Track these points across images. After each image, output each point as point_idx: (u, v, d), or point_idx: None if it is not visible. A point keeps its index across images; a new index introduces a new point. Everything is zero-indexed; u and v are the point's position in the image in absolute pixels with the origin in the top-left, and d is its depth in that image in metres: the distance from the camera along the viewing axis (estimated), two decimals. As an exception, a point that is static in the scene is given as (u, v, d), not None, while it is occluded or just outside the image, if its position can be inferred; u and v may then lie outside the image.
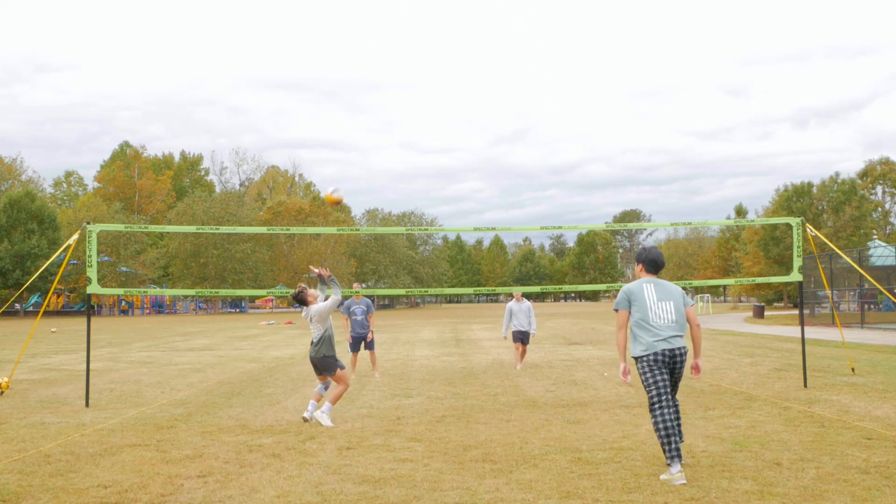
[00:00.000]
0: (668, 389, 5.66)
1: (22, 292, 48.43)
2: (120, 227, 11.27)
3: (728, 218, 74.46)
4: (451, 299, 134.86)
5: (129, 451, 6.75)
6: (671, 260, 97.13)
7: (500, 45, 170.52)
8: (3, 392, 10.60)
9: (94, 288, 9.69)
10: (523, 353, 13.72)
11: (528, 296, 14.20)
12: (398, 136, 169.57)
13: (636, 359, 5.80)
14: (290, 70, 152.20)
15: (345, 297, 12.73)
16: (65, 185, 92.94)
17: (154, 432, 7.64)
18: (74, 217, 65.87)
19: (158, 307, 70.41)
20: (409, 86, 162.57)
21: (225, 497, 5.21)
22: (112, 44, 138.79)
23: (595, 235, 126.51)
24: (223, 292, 11.14)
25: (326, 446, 6.85)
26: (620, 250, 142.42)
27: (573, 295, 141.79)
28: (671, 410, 5.60)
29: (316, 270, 8.66)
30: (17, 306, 59.20)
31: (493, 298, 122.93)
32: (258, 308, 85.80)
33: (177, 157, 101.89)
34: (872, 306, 30.44)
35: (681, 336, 5.77)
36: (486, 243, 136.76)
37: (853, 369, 12.05)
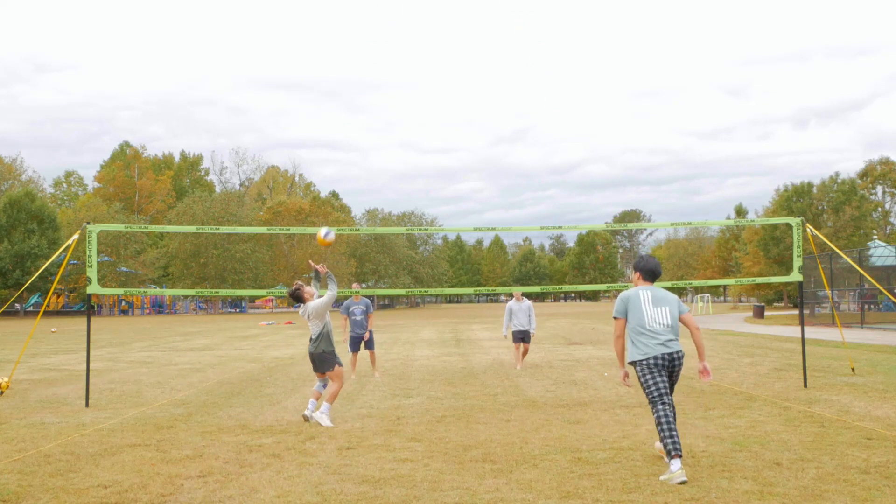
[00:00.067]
0: (668, 390, 5.77)
1: (22, 292, 48.42)
2: (120, 227, 11.27)
3: (728, 218, 74.47)
4: (451, 299, 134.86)
5: (129, 451, 6.75)
6: (671, 260, 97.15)
7: (500, 45, 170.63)
8: (3, 392, 10.60)
9: (94, 288, 9.69)
10: (525, 352, 13.73)
11: (528, 296, 14.20)
12: (398, 136, 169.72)
13: (635, 363, 5.88)
14: (290, 70, 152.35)
15: (344, 298, 12.74)
16: (65, 185, 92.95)
17: (154, 432, 7.64)
18: (74, 217, 65.87)
19: (158, 307, 70.42)
20: (409, 86, 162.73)
21: (225, 497, 5.21)
22: (112, 44, 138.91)
23: (595, 235, 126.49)
24: (223, 292, 11.14)
25: (326, 446, 6.85)
26: (620, 250, 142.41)
27: (573, 295, 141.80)
28: (672, 409, 5.71)
29: (315, 266, 8.68)
30: (17, 306, 59.20)
31: (493, 298, 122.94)
32: (258, 308, 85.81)
33: (177, 157, 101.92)
34: (872, 306, 30.44)
35: (677, 340, 5.87)
36: (486, 243, 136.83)
37: (853, 369, 12.05)
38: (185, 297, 74.75)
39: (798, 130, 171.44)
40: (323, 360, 8.25)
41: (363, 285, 69.42)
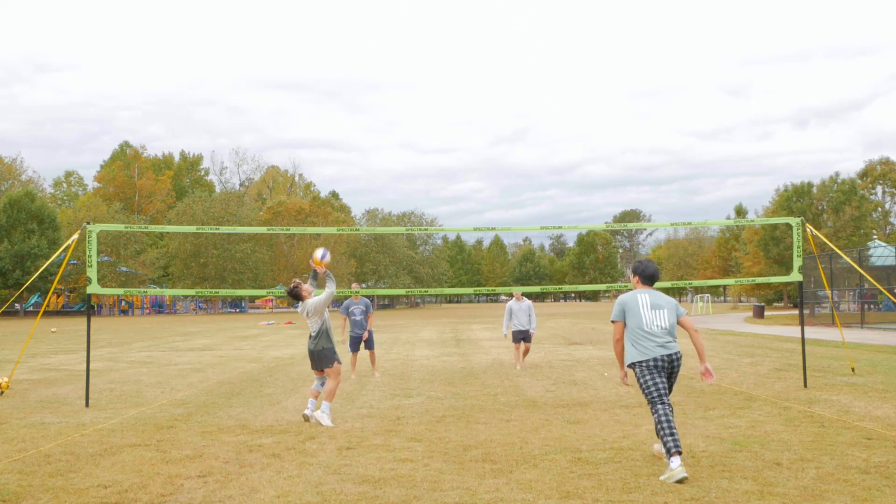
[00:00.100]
0: (667, 391, 5.82)
1: (22, 292, 48.44)
2: (120, 227, 11.26)
3: (728, 218, 74.46)
4: (451, 299, 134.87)
5: (129, 451, 6.75)
6: (671, 260, 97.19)
7: (500, 45, 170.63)
8: (3, 392, 10.60)
9: (94, 288, 9.69)
10: (526, 351, 13.75)
11: (528, 296, 14.20)
12: (398, 136, 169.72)
13: (634, 364, 5.94)
14: (290, 70, 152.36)
15: (344, 298, 12.74)
16: (65, 185, 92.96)
17: (154, 432, 7.64)
18: (74, 217, 65.88)
19: (158, 307, 70.42)
20: (409, 86, 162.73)
21: (225, 497, 5.21)
22: (112, 44, 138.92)
23: (595, 235, 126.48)
24: (223, 292, 11.14)
25: (326, 446, 6.85)
26: (620, 250, 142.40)
27: (573, 295, 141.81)
28: (671, 409, 5.75)
29: (315, 266, 8.65)
30: (17, 306, 59.20)
31: (493, 298, 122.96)
32: (258, 308, 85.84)
33: (177, 157, 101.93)
34: (872, 306, 30.45)
35: (675, 341, 5.96)
36: (486, 243, 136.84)
37: (853, 369, 12.05)
38: (185, 297, 74.74)
39: (798, 130, 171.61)
40: (322, 356, 8.29)
41: (363, 285, 69.46)
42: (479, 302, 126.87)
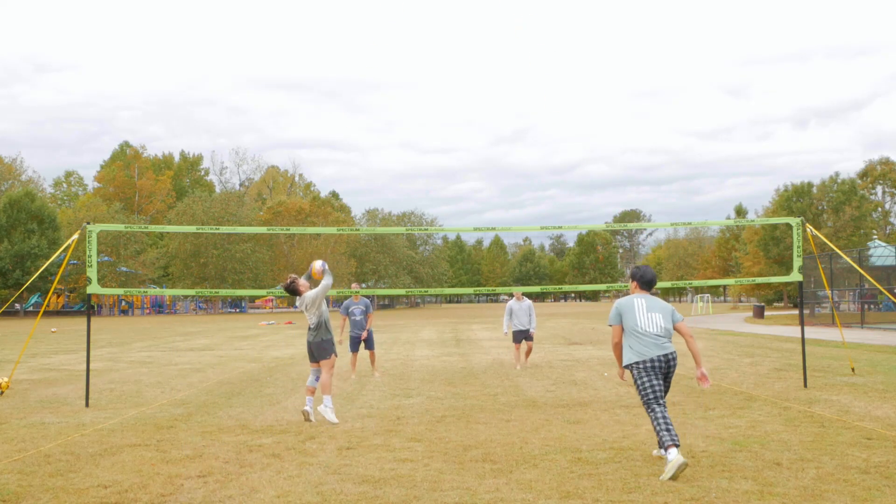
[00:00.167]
0: (662, 393, 5.91)
1: (22, 292, 48.44)
2: (120, 227, 11.26)
3: (728, 218, 74.46)
4: (451, 299, 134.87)
5: (129, 451, 6.75)
6: (671, 260, 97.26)
7: (500, 45, 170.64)
8: (3, 392, 10.60)
9: (94, 288, 9.69)
10: (529, 350, 13.75)
11: (528, 295, 14.21)
12: (398, 136, 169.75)
13: (631, 366, 6.04)
14: (290, 70, 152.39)
15: (343, 298, 12.74)
16: (65, 185, 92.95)
17: (154, 432, 7.64)
18: (74, 217, 65.88)
19: (158, 307, 70.42)
20: (409, 86, 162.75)
21: (225, 497, 5.21)
22: (112, 44, 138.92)
23: (595, 235, 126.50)
24: (223, 292, 11.14)
25: (326, 446, 6.85)
26: (620, 250, 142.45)
27: (573, 295, 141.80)
28: (666, 410, 5.84)
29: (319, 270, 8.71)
30: (17, 306, 59.19)
31: (493, 298, 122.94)
32: (258, 308, 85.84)
33: (177, 157, 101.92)
34: (872, 306, 30.44)
35: (670, 342, 6.06)
36: (486, 243, 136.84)
37: (853, 369, 12.05)
38: (185, 297, 74.74)
39: (798, 130, 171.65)
40: (322, 348, 8.41)
41: (363, 285, 69.48)
42: (479, 302, 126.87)
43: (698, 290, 69.65)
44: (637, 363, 5.97)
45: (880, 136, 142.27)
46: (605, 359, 15.31)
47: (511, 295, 14.03)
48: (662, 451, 5.74)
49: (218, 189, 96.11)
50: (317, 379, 8.54)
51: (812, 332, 21.41)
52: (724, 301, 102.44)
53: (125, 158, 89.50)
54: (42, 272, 18.18)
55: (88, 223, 10.13)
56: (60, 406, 9.61)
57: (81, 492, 5.37)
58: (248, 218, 72.71)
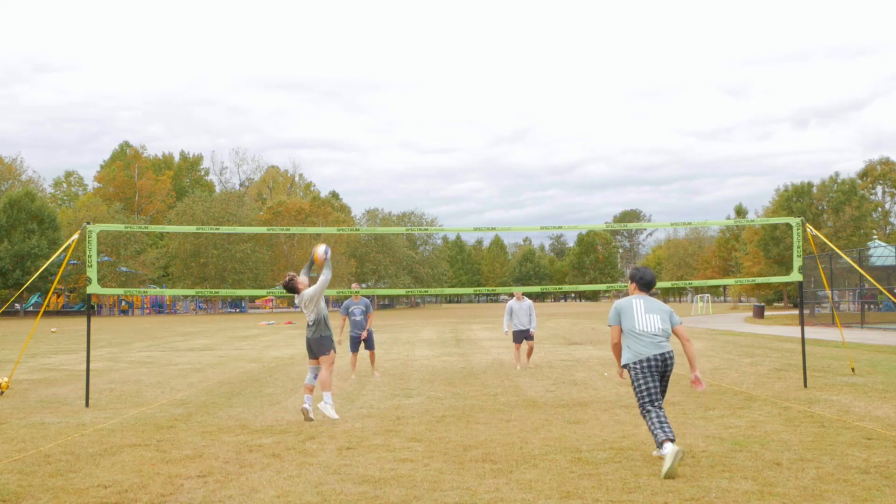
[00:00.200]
0: (658, 396, 5.98)
1: (22, 292, 48.42)
2: (120, 227, 11.26)
3: (728, 218, 74.45)
4: (451, 299, 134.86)
5: (129, 451, 6.75)
6: (671, 260, 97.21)
7: (500, 45, 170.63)
8: (3, 392, 10.60)
9: (94, 288, 9.69)
10: (530, 350, 13.75)
11: (528, 295, 14.21)
12: (398, 136, 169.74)
13: (629, 365, 6.11)
14: (290, 70, 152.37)
15: (344, 298, 12.74)
16: (65, 185, 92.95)
17: (154, 432, 7.64)
18: (74, 217, 65.88)
19: (158, 307, 70.42)
20: (409, 86, 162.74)
21: (225, 497, 5.21)
22: (112, 44, 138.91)
23: (595, 235, 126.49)
24: (223, 292, 11.14)
25: (326, 446, 6.85)
26: (620, 250, 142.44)
27: (573, 295, 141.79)
28: (661, 411, 5.91)
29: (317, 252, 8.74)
30: (17, 306, 59.19)
31: (493, 298, 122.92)
32: (258, 308, 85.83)
33: (177, 157, 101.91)
34: (872, 306, 30.44)
35: (668, 342, 6.13)
36: (486, 243, 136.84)
37: (853, 369, 12.05)
38: (185, 297, 74.75)
39: (798, 130, 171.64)
40: (321, 344, 8.46)
41: (363, 285, 69.48)
42: (479, 302, 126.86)
43: (698, 290, 69.65)
44: (634, 363, 6.05)
45: (880, 136, 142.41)
46: (605, 359, 15.31)
47: (511, 295, 14.04)
48: (661, 450, 5.75)
49: (218, 189, 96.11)
50: (315, 377, 8.59)
51: (812, 332, 21.41)
52: (724, 301, 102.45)
53: (125, 158, 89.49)
54: (42, 272, 18.18)
55: (88, 223, 10.13)
56: (60, 406, 9.61)
57: (81, 492, 5.37)
58: (248, 218, 72.71)
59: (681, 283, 11.65)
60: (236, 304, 79.75)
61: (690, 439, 6.84)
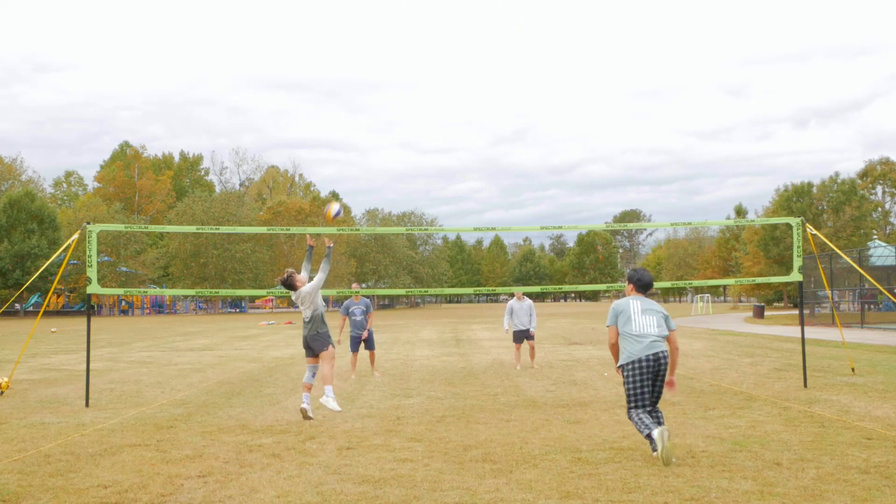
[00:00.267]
0: (647, 400, 6.14)
1: (22, 292, 48.42)
2: (120, 227, 11.26)
3: (728, 218, 74.44)
4: (451, 299, 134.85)
5: (129, 451, 6.75)
6: (671, 260, 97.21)
7: (500, 45, 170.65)
8: (3, 392, 10.60)
9: (94, 288, 9.69)
10: (532, 350, 13.75)
11: (528, 295, 14.22)
12: (398, 136, 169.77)
13: (623, 366, 6.26)
14: (290, 70, 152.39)
15: (344, 298, 12.75)
16: (65, 185, 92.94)
17: (154, 432, 7.64)
18: (74, 217, 65.87)
19: (158, 307, 70.42)
20: (409, 86, 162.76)
21: (225, 497, 5.21)
22: (112, 44, 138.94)
23: (595, 235, 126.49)
24: (223, 292, 11.14)
25: (326, 446, 6.85)
26: (620, 250, 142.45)
27: (573, 295, 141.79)
28: (647, 413, 6.12)
29: (325, 239, 8.84)
30: (17, 306, 59.19)
31: (493, 298, 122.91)
32: (258, 308, 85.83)
33: (177, 157, 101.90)
34: (872, 306, 30.43)
35: (662, 343, 6.24)
36: (486, 243, 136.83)
37: (853, 369, 12.05)
38: (185, 297, 74.76)
39: (798, 130, 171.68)
40: (317, 339, 8.49)
41: (363, 285, 69.46)
42: (479, 302, 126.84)
43: (698, 290, 69.64)
44: (627, 364, 6.19)
45: (880, 136, 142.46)
46: (605, 359, 15.31)
47: (512, 294, 14.04)
48: (654, 450, 5.91)
49: (218, 189, 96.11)
50: (313, 375, 8.61)
51: (812, 332, 21.41)
52: (724, 301, 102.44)
53: (125, 158, 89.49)
54: (42, 272, 18.18)
55: (88, 223, 10.13)
56: (60, 406, 9.61)
57: (81, 492, 5.37)
58: (248, 218, 72.71)
59: (681, 283, 11.65)
60: (236, 304, 79.75)
61: (690, 439, 6.84)
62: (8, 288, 54.87)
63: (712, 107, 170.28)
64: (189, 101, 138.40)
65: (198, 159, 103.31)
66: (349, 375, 12.39)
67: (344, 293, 11.40)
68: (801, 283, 10.67)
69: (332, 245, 8.92)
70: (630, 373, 6.16)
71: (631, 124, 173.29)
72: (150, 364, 15.56)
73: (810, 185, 53.59)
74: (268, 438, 7.25)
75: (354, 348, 12.60)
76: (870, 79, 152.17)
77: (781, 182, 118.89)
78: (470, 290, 11.46)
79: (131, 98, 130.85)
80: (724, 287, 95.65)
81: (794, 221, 10.64)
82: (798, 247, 10.42)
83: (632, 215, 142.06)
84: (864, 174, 63.19)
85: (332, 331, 8.84)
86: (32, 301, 61.55)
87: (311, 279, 8.86)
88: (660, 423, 6.12)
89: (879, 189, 64.87)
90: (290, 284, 8.57)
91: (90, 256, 9.71)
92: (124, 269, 65.23)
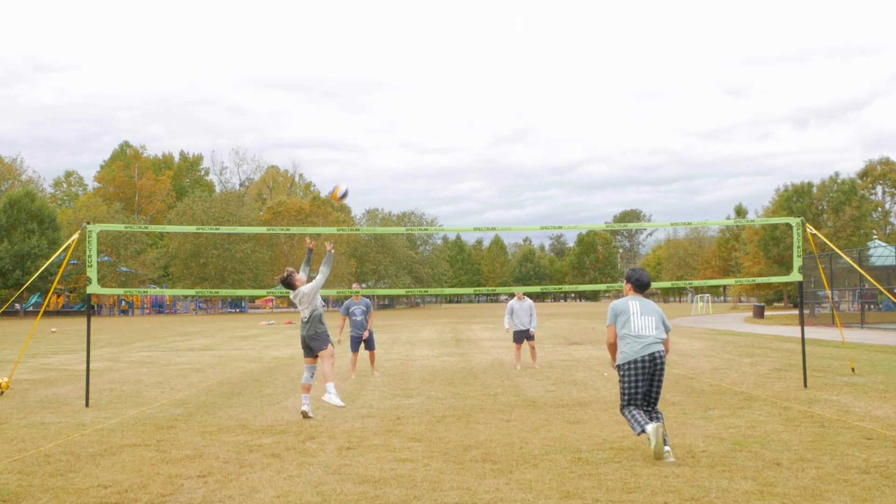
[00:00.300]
0: (640, 399, 6.25)
1: (22, 292, 48.41)
2: (120, 227, 11.27)
3: (728, 218, 74.44)
4: (451, 299, 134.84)
5: (129, 451, 6.75)
6: (671, 260, 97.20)
7: (500, 45, 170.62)
8: (3, 392, 10.60)
9: (94, 288, 9.69)
10: (533, 351, 13.75)
11: (528, 295, 14.22)
12: (398, 136, 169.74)
13: (620, 366, 6.34)
14: (290, 70, 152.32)
15: (344, 298, 12.75)
16: (65, 185, 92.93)
17: (154, 432, 7.65)
18: (74, 217, 65.85)
19: (158, 307, 70.41)
20: (409, 86, 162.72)
21: (225, 497, 5.21)
22: (112, 44, 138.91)
23: (595, 235, 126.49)
24: (223, 292, 11.14)
25: (326, 446, 6.85)
26: (620, 250, 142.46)
27: (573, 295, 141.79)
28: (639, 410, 6.23)
29: (326, 243, 8.86)
30: (17, 306, 59.18)
31: (493, 298, 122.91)
32: (258, 308, 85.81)
33: (177, 157, 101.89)
34: (872, 306, 30.44)
35: (660, 343, 6.31)
36: (486, 243, 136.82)
37: (853, 369, 12.05)
38: (185, 297, 74.78)
39: (798, 130, 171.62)
40: (315, 338, 8.48)
41: (363, 285, 69.47)
42: (479, 302, 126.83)
43: (698, 290, 69.65)
44: (624, 364, 6.28)
45: (880, 136, 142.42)
46: (605, 359, 15.31)
47: (512, 294, 14.05)
48: (651, 447, 5.99)
49: (218, 189, 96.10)
50: (312, 376, 8.61)
51: (812, 332, 21.41)
52: (724, 301, 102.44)
53: (125, 158, 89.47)
54: (42, 272, 18.18)
55: (88, 223, 10.13)
56: (60, 406, 9.61)
57: (81, 492, 5.37)
58: (248, 218, 72.70)
59: (681, 283, 11.66)
60: (236, 304, 79.74)
61: (690, 439, 6.84)
62: (8, 288, 54.87)
63: (712, 107, 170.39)
64: (189, 101, 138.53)
65: (198, 159, 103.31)
66: (349, 375, 12.39)
67: (344, 293, 11.41)
68: (801, 283, 10.67)
69: (332, 250, 8.89)
70: (626, 373, 6.25)
71: (631, 124, 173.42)
72: (150, 364, 15.56)
73: (810, 185, 53.60)
74: (268, 438, 7.25)
75: (355, 348, 12.60)
76: (870, 79, 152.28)
77: (781, 182, 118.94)
78: (470, 290, 11.47)
79: (131, 98, 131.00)
80: (724, 287, 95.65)
81: (794, 221, 10.64)
82: (798, 247, 10.42)
83: (632, 215, 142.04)
84: (864, 174, 63.20)
85: (332, 331, 8.84)
86: (32, 301, 61.55)
87: (310, 280, 8.88)
88: (658, 421, 6.16)
89: (879, 189, 64.88)
90: (289, 283, 8.60)
91: (90, 256, 9.71)
92: (124, 269, 65.23)
